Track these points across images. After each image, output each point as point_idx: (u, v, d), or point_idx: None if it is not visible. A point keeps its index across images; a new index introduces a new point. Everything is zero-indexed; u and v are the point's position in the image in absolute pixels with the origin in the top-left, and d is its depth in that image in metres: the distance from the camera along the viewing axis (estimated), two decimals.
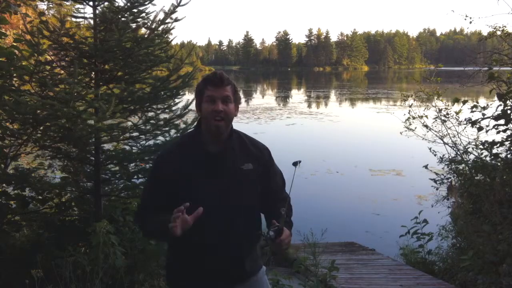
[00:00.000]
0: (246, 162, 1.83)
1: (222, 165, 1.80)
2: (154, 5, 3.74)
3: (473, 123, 5.29)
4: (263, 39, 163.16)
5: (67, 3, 4.58)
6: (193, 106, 3.88)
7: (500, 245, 3.89)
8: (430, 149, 6.83)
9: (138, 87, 3.77)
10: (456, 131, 6.60)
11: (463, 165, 6.05)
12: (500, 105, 4.75)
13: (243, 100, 34.04)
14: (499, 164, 4.96)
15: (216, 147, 1.81)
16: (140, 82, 3.79)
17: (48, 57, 3.58)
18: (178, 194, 1.73)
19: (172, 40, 4.03)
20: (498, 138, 4.98)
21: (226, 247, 1.79)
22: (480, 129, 5.14)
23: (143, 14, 3.67)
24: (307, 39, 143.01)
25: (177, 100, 3.94)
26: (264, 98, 37.62)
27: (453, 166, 6.26)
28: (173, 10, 3.63)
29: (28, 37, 3.27)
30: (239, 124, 18.33)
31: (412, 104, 7.56)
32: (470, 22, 6.36)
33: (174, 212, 1.55)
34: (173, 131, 3.78)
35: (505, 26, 6.03)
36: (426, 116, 7.19)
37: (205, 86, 1.78)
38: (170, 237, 1.58)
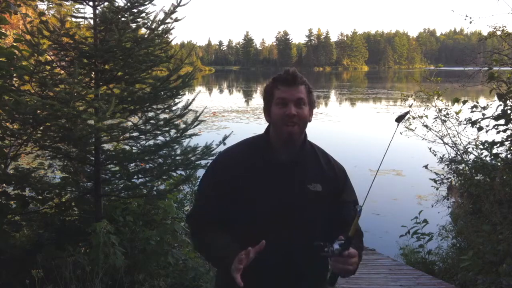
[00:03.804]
0: (315, 181, 1.58)
1: (287, 179, 1.56)
2: (154, 5, 3.75)
3: (473, 123, 5.30)
4: (263, 39, 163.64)
5: (67, 3, 4.59)
6: (193, 106, 3.91)
7: (500, 245, 3.90)
8: (430, 149, 6.85)
9: (138, 87, 3.77)
10: (456, 131, 6.63)
11: (463, 165, 6.07)
12: (500, 105, 4.76)
13: (243, 100, 34.07)
14: (499, 164, 4.98)
15: (285, 157, 1.57)
16: (140, 82, 3.79)
17: (48, 57, 3.57)
18: (231, 206, 1.55)
19: (172, 40, 4.04)
20: (498, 138, 4.99)
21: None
22: (480, 129, 5.15)
23: (143, 14, 3.67)
24: (307, 39, 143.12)
25: (177, 100, 3.93)
26: None
27: (453, 166, 6.28)
28: (173, 10, 3.63)
29: (28, 37, 3.27)
30: (240, 124, 18.36)
31: (412, 104, 7.58)
32: (470, 22, 6.40)
33: (241, 254, 1.34)
34: (173, 131, 3.78)
35: (505, 26, 6.05)
36: (426, 116, 7.20)
37: (275, 86, 1.54)
38: (223, 270, 1.42)
